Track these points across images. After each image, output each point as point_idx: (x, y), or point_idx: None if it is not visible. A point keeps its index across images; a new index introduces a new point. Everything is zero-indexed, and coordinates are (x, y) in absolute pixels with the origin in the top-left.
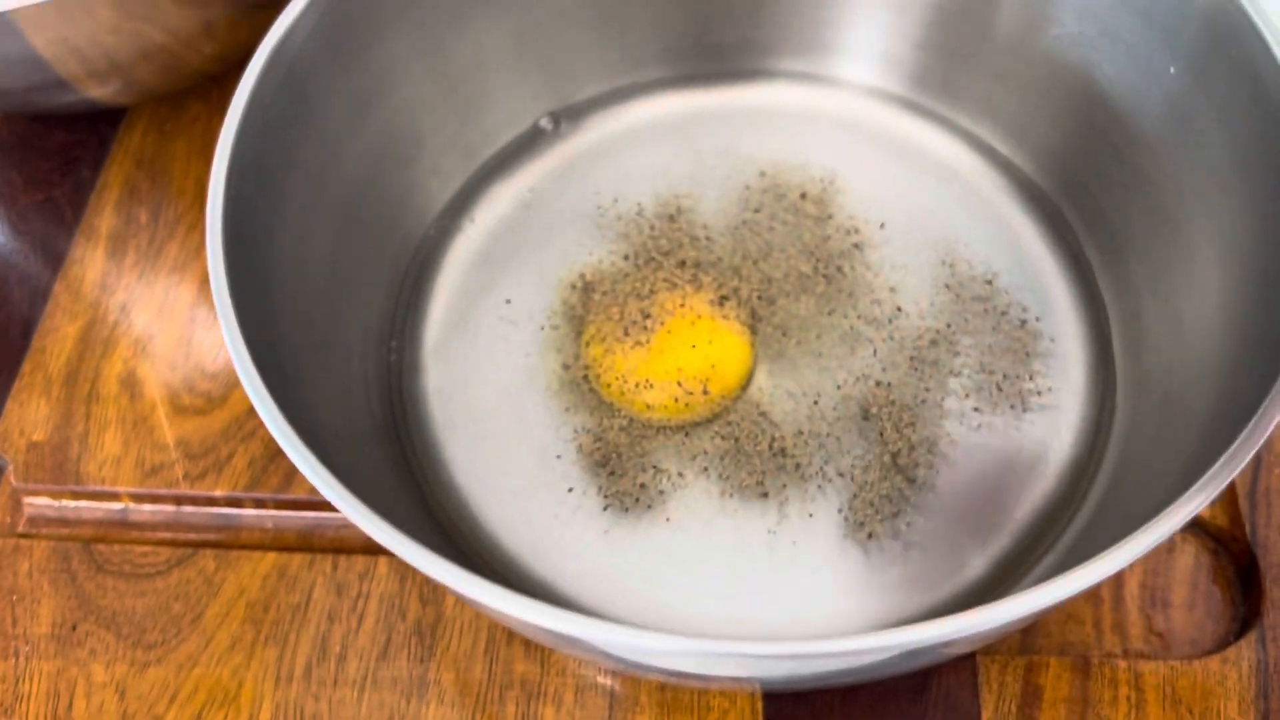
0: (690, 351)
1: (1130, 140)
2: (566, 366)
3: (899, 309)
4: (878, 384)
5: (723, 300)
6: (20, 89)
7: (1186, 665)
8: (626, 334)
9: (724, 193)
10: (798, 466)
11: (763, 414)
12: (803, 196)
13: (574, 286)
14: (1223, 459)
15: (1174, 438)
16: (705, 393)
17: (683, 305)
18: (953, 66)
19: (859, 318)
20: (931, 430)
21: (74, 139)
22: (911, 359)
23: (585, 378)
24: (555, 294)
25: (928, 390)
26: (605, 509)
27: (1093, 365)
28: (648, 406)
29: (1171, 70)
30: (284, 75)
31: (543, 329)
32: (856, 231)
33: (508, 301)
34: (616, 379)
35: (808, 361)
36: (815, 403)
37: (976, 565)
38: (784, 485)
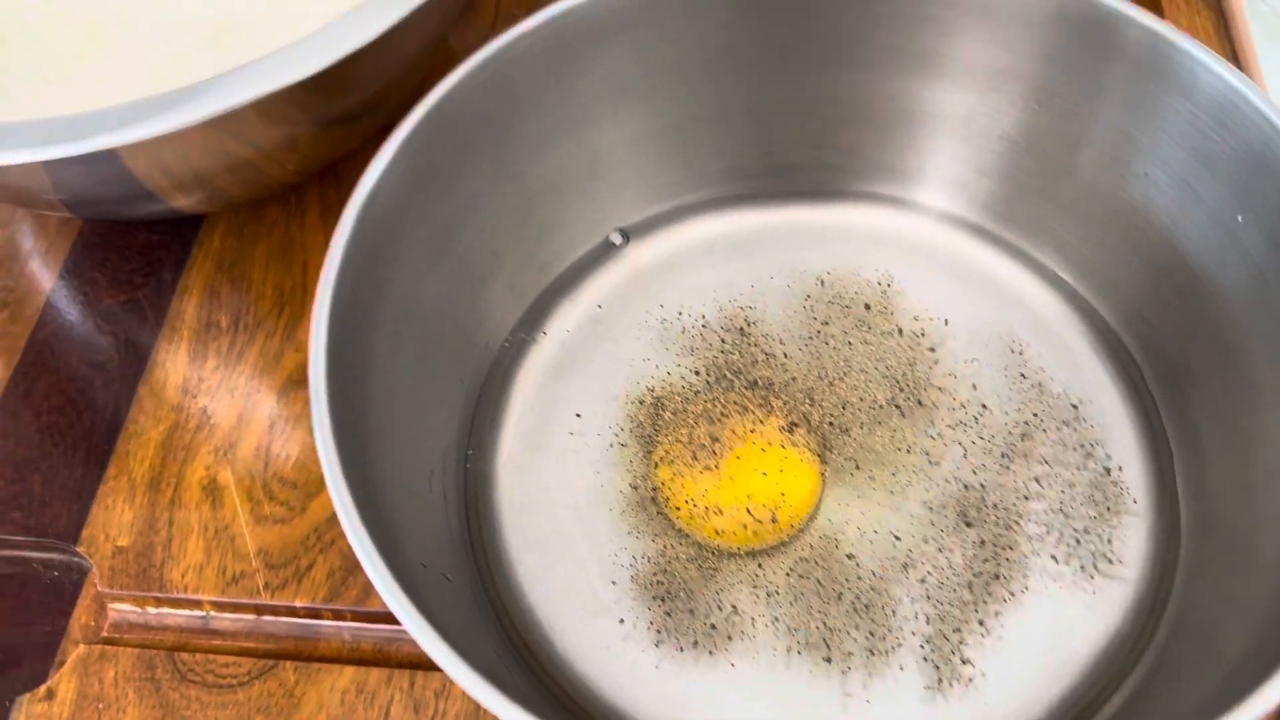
0: (760, 479)
1: (1197, 285)
2: (635, 486)
3: (978, 415)
4: (952, 522)
5: (793, 427)
6: (108, 201)
7: None
8: (696, 458)
9: (787, 303)
10: (868, 608)
11: (835, 545)
12: (867, 307)
13: (642, 402)
14: None
15: (1242, 601)
16: (774, 521)
17: (753, 431)
18: (1019, 196)
19: (934, 437)
20: (1006, 572)
21: (156, 240)
22: (984, 488)
23: (654, 499)
24: (624, 409)
25: (1005, 530)
26: (658, 644)
27: (1159, 516)
28: (716, 532)
29: (1239, 219)
30: (378, 215)
31: (611, 445)
32: (923, 334)
33: (578, 415)
34: (685, 503)
35: (880, 496)
36: (892, 538)
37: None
38: (856, 627)
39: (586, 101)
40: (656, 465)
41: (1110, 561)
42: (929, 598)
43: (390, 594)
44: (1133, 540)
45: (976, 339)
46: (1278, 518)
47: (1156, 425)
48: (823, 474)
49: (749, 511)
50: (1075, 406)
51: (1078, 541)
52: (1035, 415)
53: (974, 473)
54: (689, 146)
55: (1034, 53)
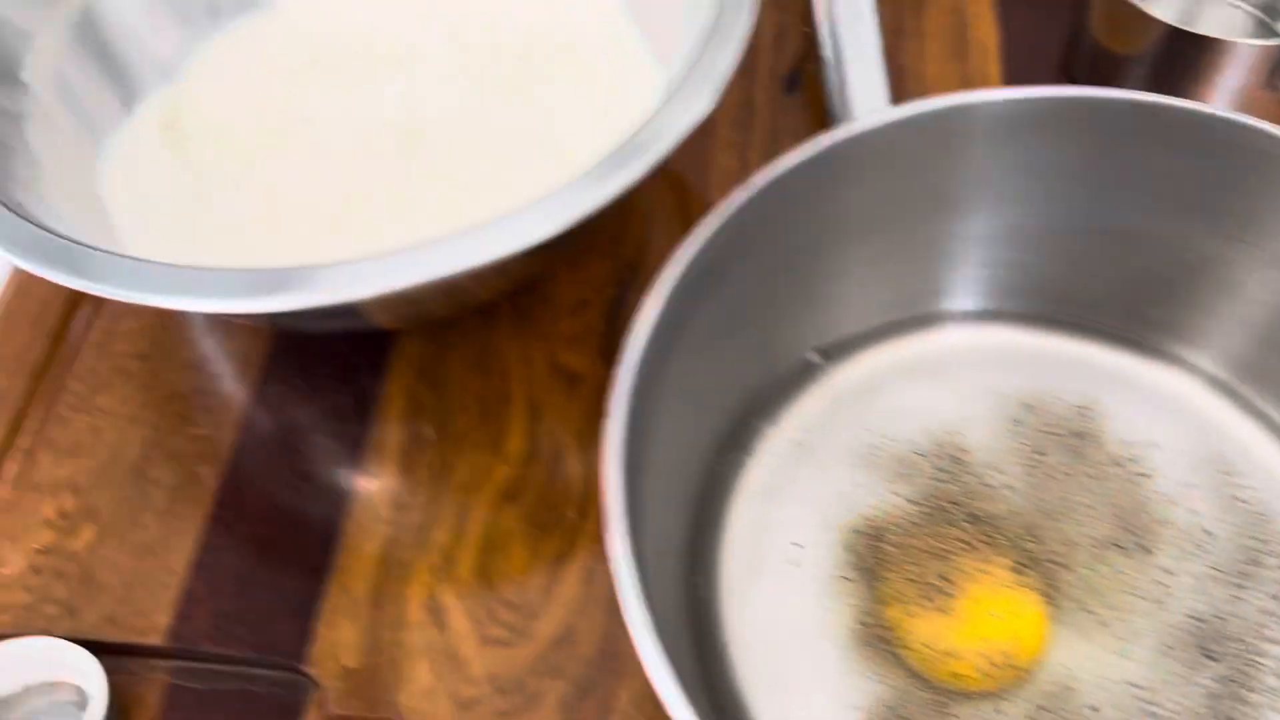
0: (994, 622)
1: None
2: (863, 623)
3: (1202, 543)
4: (1191, 657)
5: (1021, 567)
6: (305, 319)
7: None
8: (928, 598)
9: (995, 429)
10: None
11: (1072, 692)
12: (1078, 436)
13: (859, 532)
14: None
15: None
16: (1011, 665)
17: (983, 571)
18: (1252, 347)
19: (1161, 569)
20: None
21: (350, 345)
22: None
23: (883, 637)
24: (841, 539)
25: (1247, 666)
26: None
27: None
28: (954, 675)
29: None
30: (644, 370)
31: (834, 577)
32: (1133, 460)
33: (796, 545)
34: (920, 645)
35: (1110, 639)
36: (1128, 686)
37: None
38: None
39: (809, 233)
40: (886, 604)
41: None
42: None
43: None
44: None
45: (1187, 463)
46: None
47: None
48: (1050, 615)
49: (985, 655)
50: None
51: None
52: (1261, 540)
53: (1207, 604)
54: (897, 271)
55: None
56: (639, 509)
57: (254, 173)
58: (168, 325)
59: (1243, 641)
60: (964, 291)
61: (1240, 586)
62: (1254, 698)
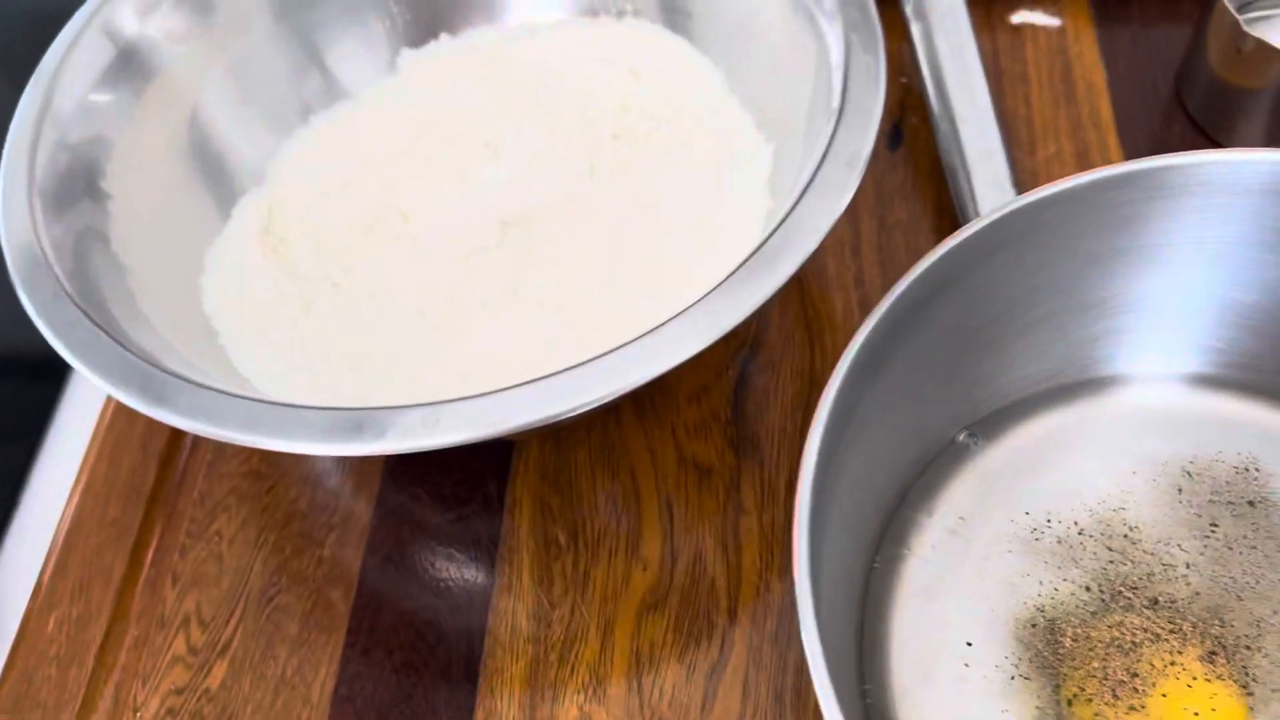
0: (1192, 719)
1: None
2: None
3: None
4: None
5: (1213, 656)
6: None
7: None
8: (1117, 696)
9: (1160, 502)
10: None
11: None
12: (1250, 504)
13: (1034, 625)
14: None
15: None
16: None
17: (1172, 664)
18: None
19: None
20: None
21: (473, 450)
22: None
23: None
24: (1014, 634)
25: None
26: None
27: None
28: None
29: None
30: (819, 475)
31: (1013, 678)
32: None
33: (968, 644)
34: None
35: None
36: None
37: None
38: None
39: (955, 314)
40: (1070, 703)
41: None
42: None
43: None
44: None
45: None
46: None
47: None
48: (1251, 707)
49: None
50: None
51: None
52: None
53: None
54: (1047, 342)
55: None
56: (819, 617)
57: (352, 273)
58: None
59: None
60: (1112, 357)
61: None
62: None
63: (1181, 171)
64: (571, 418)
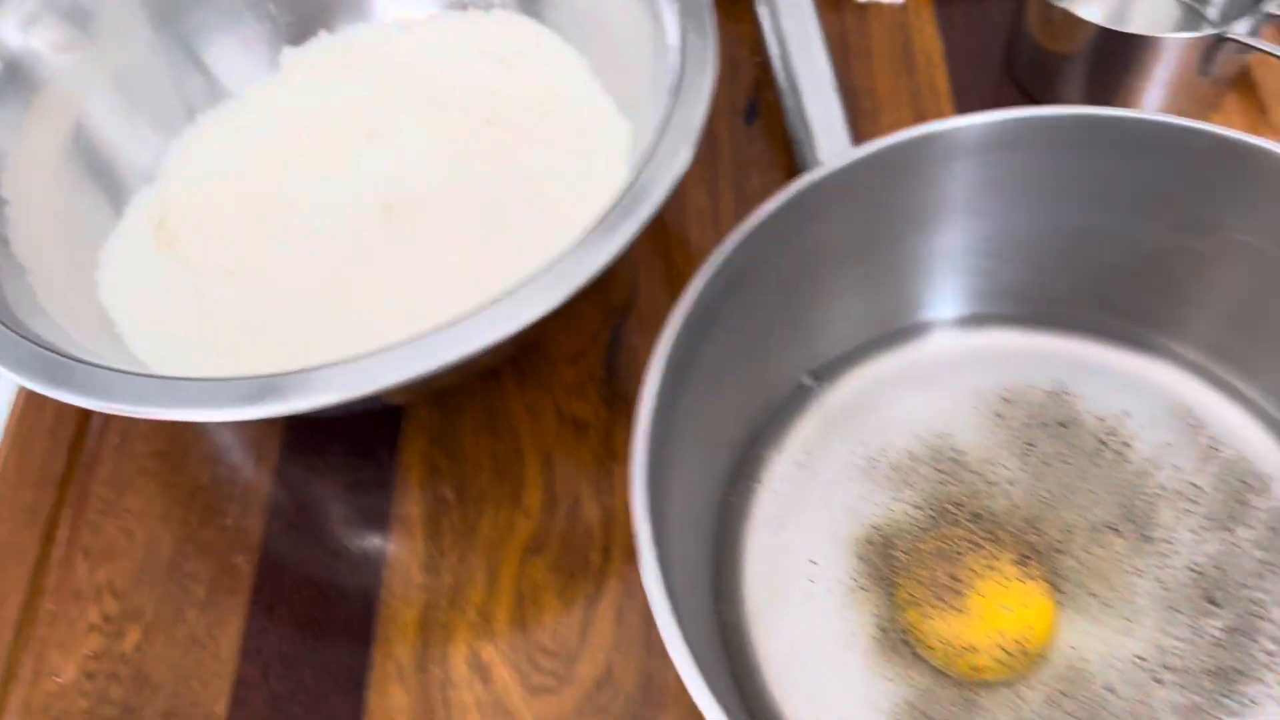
0: (1006, 615)
1: None
2: (883, 629)
3: (1193, 497)
4: (1198, 607)
5: (1024, 560)
6: (324, 409)
7: None
8: (940, 599)
9: (981, 426)
10: None
11: (1085, 675)
12: (1062, 425)
13: (871, 543)
14: None
15: None
16: (1025, 653)
17: (990, 568)
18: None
19: (1161, 528)
20: (1251, 670)
21: (364, 420)
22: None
23: (904, 640)
24: (854, 552)
25: (1250, 616)
26: None
27: None
28: (974, 669)
29: None
30: (659, 416)
31: (853, 590)
32: (1113, 433)
33: (812, 562)
34: (939, 643)
35: (1115, 620)
36: (1135, 659)
37: None
38: None
39: (793, 266)
40: (903, 608)
41: None
42: (1180, 691)
43: None
44: None
45: (1160, 424)
46: None
47: None
48: (1057, 602)
49: (1000, 647)
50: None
51: None
52: (1243, 480)
53: (1206, 555)
54: (876, 291)
55: (1253, 209)
56: (665, 546)
57: (244, 262)
58: (182, 422)
59: (1244, 585)
60: (939, 302)
61: (1232, 530)
62: (1257, 646)
63: (967, 132)
64: (440, 378)
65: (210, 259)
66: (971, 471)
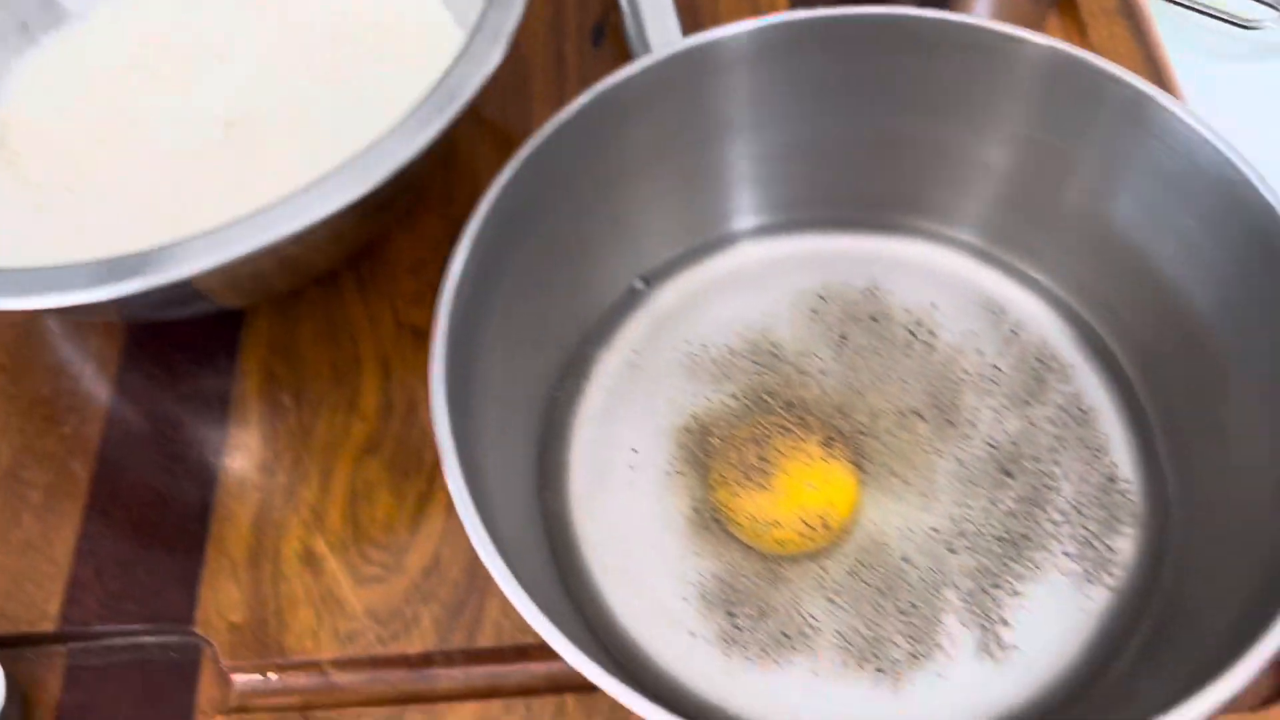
0: (809, 492)
1: (1174, 299)
2: (696, 510)
3: (993, 377)
4: (994, 479)
5: (830, 441)
6: (157, 306)
7: (1253, 716)
8: (749, 478)
9: (797, 321)
10: (914, 605)
11: (884, 548)
12: (873, 319)
13: (690, 431)
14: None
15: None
16: (826, 526)
17: (796, 449)
18: (999, 216)
19: (962, 409)
20: (1034, 537)
21: (202, 330)
22: (1006, 473)
23: (715, 519)
24: (673, 440)
25: (1039, 489)
26: (727, 653)
27: (1153, 520)
28: (778, 542)
29: (1189, 222)
30: (461, 309)
31: (669, 474)
32: (920, 324)
33: (634, 451)
34: (747, 520)
35: (914, 497)
36: (930, 531)
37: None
38: (904, 626)
39: (610, 168)
40: (714, 489)
41: (1110, 572)
42: (971, 555)
43: (541, 625)
44: (1129, 548)
45: (966, 314)
46: (1252, 507)
47: (1143, 421)
48: (860, 480)
49: (803, 521)
50: (1059, 365)
51: (1087, 542)
52: (1040, 361)
53: (1003, 432)
54: (696, 197)
55: (1032, 104)
56: (476, 439)
57: (87, 180)
58: (23, 335)
59: (1038, 459)
60: (757, 208)
61: (1029, 406)
62: (1045, 515)
63: (763, 34)
64: (263, 277)
65: (51, 176)
66: (787, 363)
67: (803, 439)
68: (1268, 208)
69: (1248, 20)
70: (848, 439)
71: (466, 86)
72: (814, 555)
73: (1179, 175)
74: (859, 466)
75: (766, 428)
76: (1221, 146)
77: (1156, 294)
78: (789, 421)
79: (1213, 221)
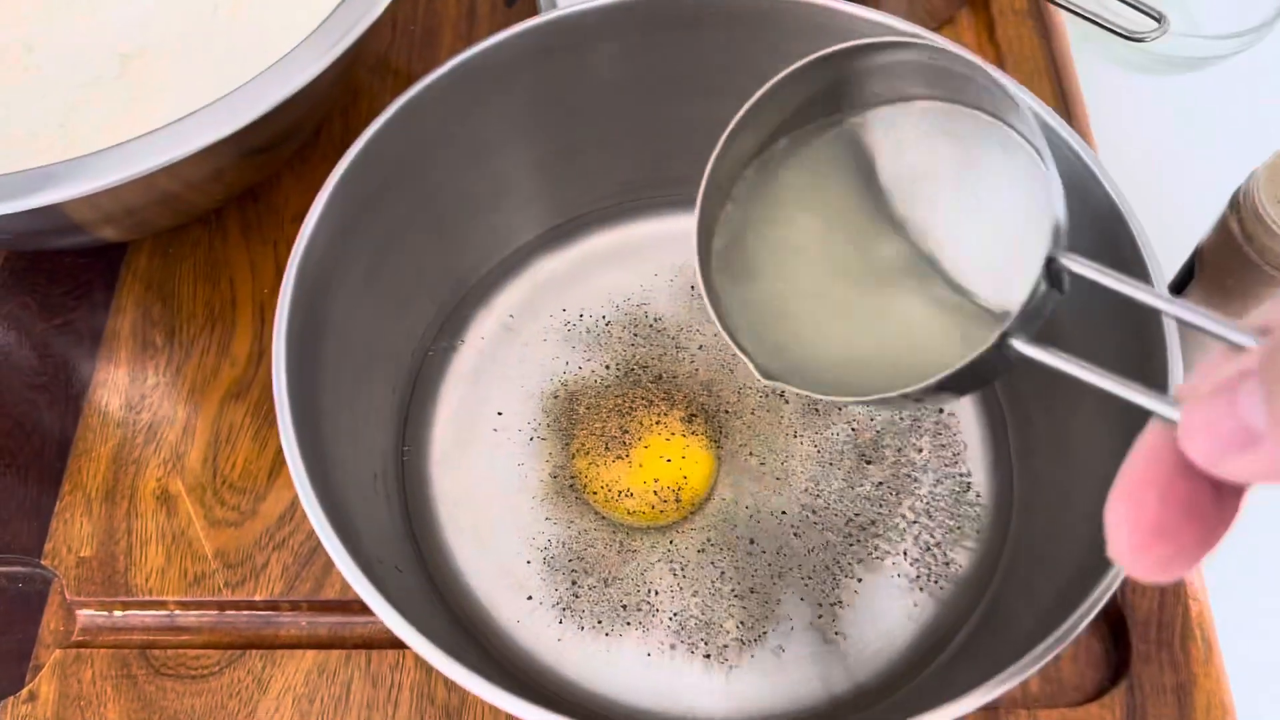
0: (665, 465)
1: None
2: (554, 475)
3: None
4: (835, 492)
5: (692, 418)
6: (37, 237)
7: (1075, 710)
8: (608, 449)
9: (676, 297)
10: (752, 590)
11: (734, 527)
12: None
13: (556, 397)
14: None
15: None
16: (678, 500)
17: (658, 423)
18: None
19: (821, 417)
20: (881, 529)
21: (83, 263)
22: (865, 462)
23: (572, 486)
24: (539, 405)
25: (899, 477)
26: (561, 621)
27: (994, 534)
28: (629, 512)
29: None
30: (317, 258)
31: (531, 440)
32: None
33: (499, 414)
34: (601, 488)
35: (770, 479)
36: (775, 513)
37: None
38: (750, 592)
39: (489, 132)
40: (574, 456)
41: (941, 585)
42: (819, 537)
43: (359, 584)
44: (965, 562)
45: None
46: (1075, 518)
47: (1000, 431)
48: (717, 458)
49: (655, 493)
50: None
51: (928, 548)
52: None
53: (870, 422)
54: (582, 167)
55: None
56: (325, 389)
57: None
58: None
59: (900, 450)
60: (641, 182)
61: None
62: (899, 504)
63: (601, 13)
64: (135, 209)
65: None
66: (667, 337)
67: (666, 413)
68: (1112, 206)
69: (1136, 32)
70: (711, 416)
71: (350, 33)
72: (665, 530)
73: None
74: (718, 443)
75: (632, 400)
76: (1070, 139)
77: None
78: (655, 395)
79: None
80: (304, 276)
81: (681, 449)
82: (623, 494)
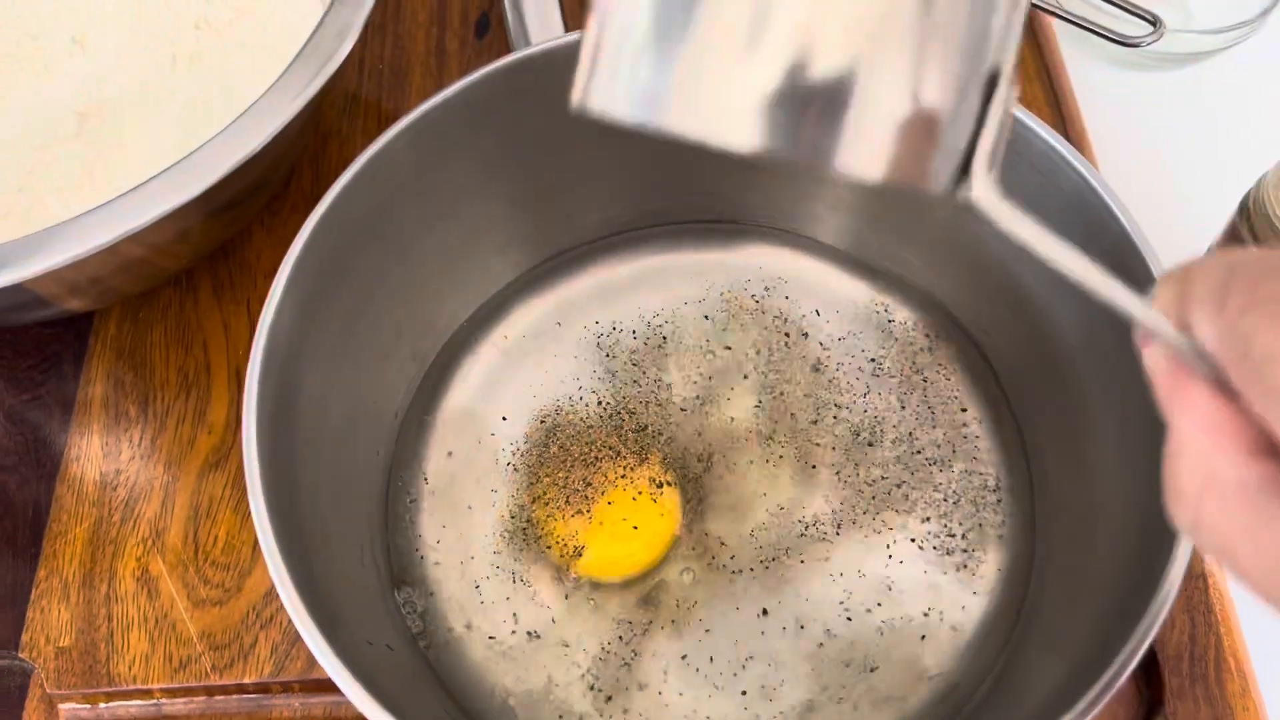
0: (623, 526)
1: (1034, 308)
2: (513, 515)
3: (875, 372)
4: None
5: (660, 484)
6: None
7: None
8: (569, 502)
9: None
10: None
11: (668, 592)
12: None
13: (542, 423)
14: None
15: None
16: (633, 563)
17: (624, 478)
18: (871, 227)
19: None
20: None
21: (51, 334)
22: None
23: (526, 531)
24: (526, 427)
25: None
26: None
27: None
28: (584, 568)
29: None
30: (286, 324)
31: (506, 466)
32: (787, 319)
33: (504, 419)
34: (556, 543)
35: (721, 574)
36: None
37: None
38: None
39: (463, 177)
40: (534, 502)
41: (972, 573)
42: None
43: (339, 675)
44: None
45: (843, 316)
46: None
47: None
48: (680, 526)
49: (611, 552)
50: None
51: (951, 535)
52: (927, 346)
53: (880, 415)
54: (560, 206)
55: None
56: (297, 466)
57: None
58: None
59: (904, 444)
60: (632, 216)
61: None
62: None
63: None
64: (102, 278)
65: None
66: (650, 379)
67: (634, 469)
68: (1124, 234)
69: (1131, 37)
70: (681, 479)
71: (315, 78)
72: (608, 586)
73: (1038, 194)
74: (691, 502)
75: (599, 449)
76: (1081, 168)
77: (1024, 316)
78: (626, 447)
79: (1066, 232)
80: (274, 347)
81: (644, 511)
82: (576, 550)
